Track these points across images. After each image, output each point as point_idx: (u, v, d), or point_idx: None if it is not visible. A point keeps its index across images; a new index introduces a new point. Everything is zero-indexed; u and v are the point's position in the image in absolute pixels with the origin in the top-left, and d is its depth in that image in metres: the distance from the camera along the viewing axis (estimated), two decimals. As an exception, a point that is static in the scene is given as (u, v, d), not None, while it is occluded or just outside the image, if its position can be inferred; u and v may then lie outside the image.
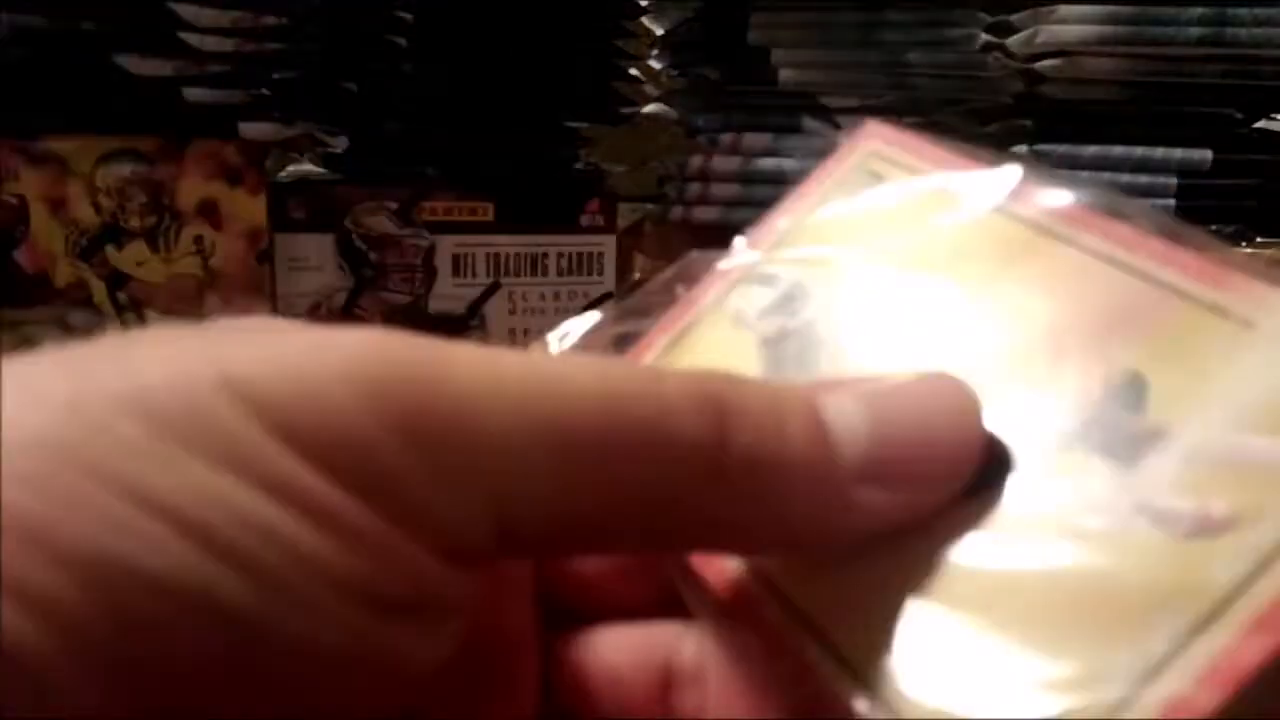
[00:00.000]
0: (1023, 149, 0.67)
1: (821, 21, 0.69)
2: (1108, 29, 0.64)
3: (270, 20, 0.59)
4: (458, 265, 0.68)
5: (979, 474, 0.16)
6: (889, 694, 0.14)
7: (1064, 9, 0.65)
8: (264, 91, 0.61)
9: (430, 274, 0.67)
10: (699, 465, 0.14)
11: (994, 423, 0.16)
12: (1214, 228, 0.67)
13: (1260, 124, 0.67)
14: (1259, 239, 0.68)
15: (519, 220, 0.68)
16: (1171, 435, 0.15)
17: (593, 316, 0.22)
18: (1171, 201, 0.66)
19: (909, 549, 0.15)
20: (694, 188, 0.73)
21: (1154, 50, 0.65)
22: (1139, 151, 0.66)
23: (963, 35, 0.67)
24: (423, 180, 0.66)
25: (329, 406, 0.13)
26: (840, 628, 0.15)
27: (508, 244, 0.68)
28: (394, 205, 0.66)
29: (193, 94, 0.58)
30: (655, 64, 0.81)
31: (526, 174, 0.70)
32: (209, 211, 0.60)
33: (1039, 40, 0.66)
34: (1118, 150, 0.66)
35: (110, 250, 0.58)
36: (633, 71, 0.75)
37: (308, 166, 0.72)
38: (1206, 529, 0.14)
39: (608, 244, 0.70)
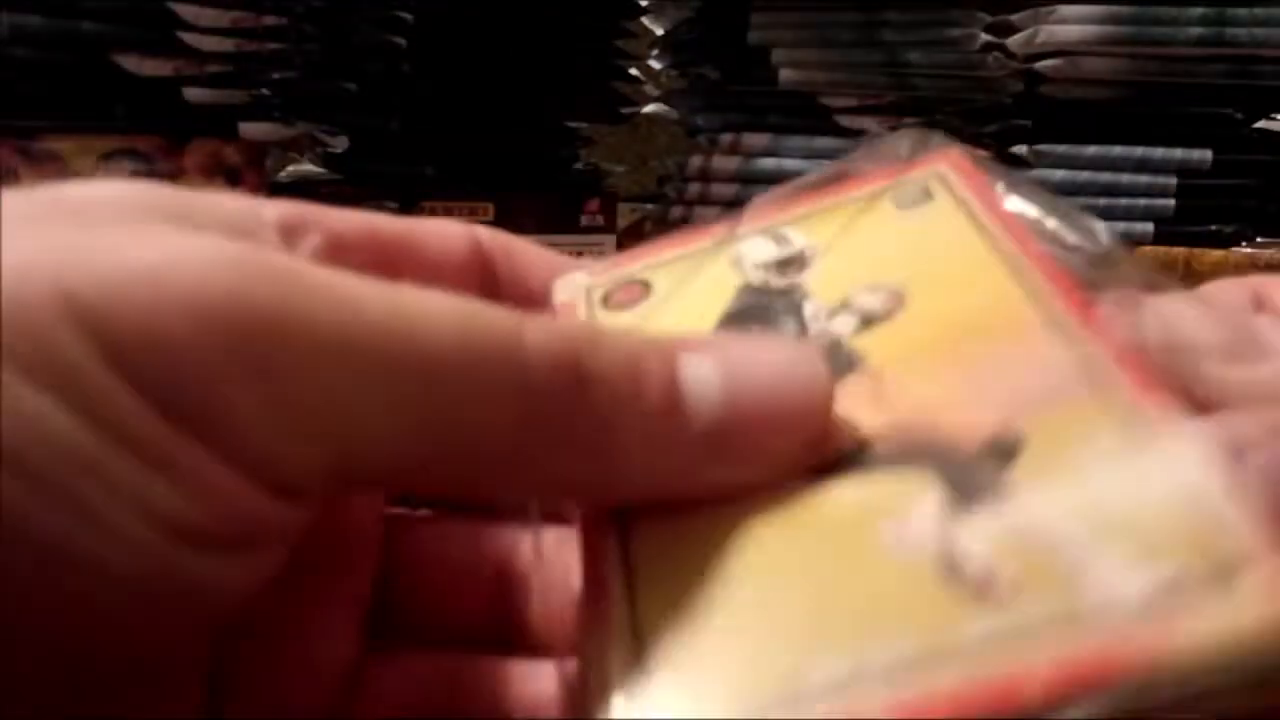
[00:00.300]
0: (1023, 149, 0.67)
1: (821, 21, 0.69)
2: (1108, 29, 0.65)
3: (270, 20, 0.59)
4: (458, 265, 0.68)
5: (823, 458, 0.16)
6: (639, 685, 0.15)
7: (1064, 9, 0.65)
8: (264, 91, 0.61)
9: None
10: (549, 421, 0.14)
11: (870, 413, 0.17)
12: (1214, 228, 0.67)
13: (1260, 124, 0.67)
14: (1259, 239, 0.68)
15: (519, 220, 0.68)
16: (1015, 500, 0.15)
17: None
18: (1171, 201, 0.66)
19: (729, 517, 0.16)
20: (694, 188, 0.73)
21: (1154, 50, 0.65)
22: (1139, 151, 0.66)
23: (963, 35, 0.67)
24: (423, 180, 0.66)
25: (169, 340, 0.13)
26: (645, 583, 0.16)
27: (508, 244, 0.68)
28: (394, 205, 0.66)
29: (193, 94, 0.58)
30: (655, 64, 0.81)
31: (526, 174, 0.70)
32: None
33: (1039, 40, 0.66)
34: (1118, 150, 0.66)
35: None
36: (633, 71, 0.75)
37: (308, 166, 0.72)
38: (983, 589, 0.15)
39: (608, 244, 0.70)
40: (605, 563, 0.16)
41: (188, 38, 0.57)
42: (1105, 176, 0.66)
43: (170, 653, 0.14)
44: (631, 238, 0.78)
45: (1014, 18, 0.68)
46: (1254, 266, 0.63)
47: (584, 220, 0.69)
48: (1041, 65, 0.67)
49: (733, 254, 0.21)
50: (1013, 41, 0.68)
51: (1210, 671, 0.13)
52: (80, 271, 0.13)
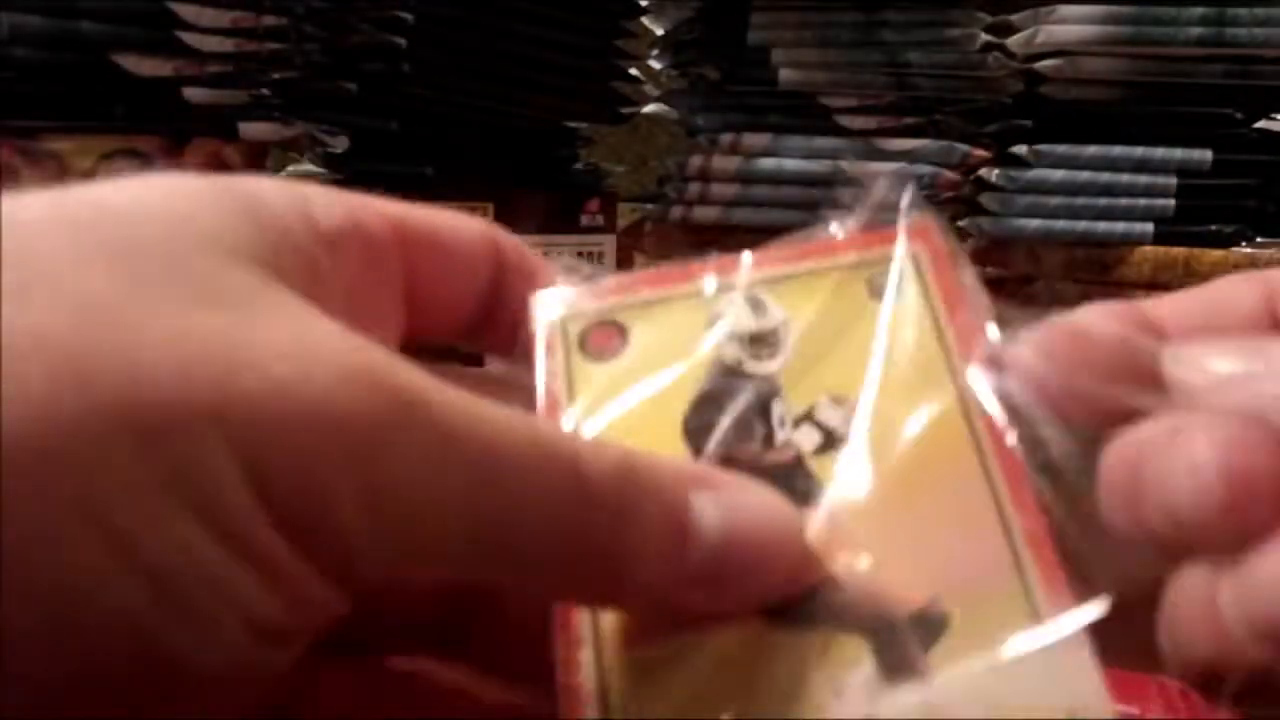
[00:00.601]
0: (1022, 149, 0.67)
1: (821, 21, 0.69)
2: (1108, 29, 0.65)
3: (270, 20, 0.59)
4: (457, 265, 0.68)
5: (782, 602, 0.18)
6: None
7: (1064, 9, 0.65)
8: (264, 91, 0.61)
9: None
10: (592, 532, 0.16)
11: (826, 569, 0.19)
12: (1214, 228, 0.67)
13: (1260, 124, 0.67)
14: (1259, 239, 0.68)
15: (519, 220, 0.68)
16: (933, 683, 0.18)
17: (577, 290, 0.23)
18: (1171, 201, 0.66)
19: (692, 646, 0.18)
20: (694, 188, 0.73)
21: (1154, 50, 0.65)
22: (1139, 151, 0.66)
23: (962, 35, 0.67)
24: (422, 180, 0.66)
25: (299, 458, 0.14)
26: (616, 695, 0.18)
27: (507, 244, 0.68)
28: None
29: (192, 94, 0.58)
30: (655, 64, 0.81)
31: (526, 174, 0.70)
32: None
33: (1039, 40, 0.66)
34: (1117, 150, 0.66)
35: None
36: (633, 71, 0.75)
37: (308, 166, 0.72)
38: None
39: (608, 244, 0.70)
40: (578, 668, 0.18)
41: (188, 38, 0.57)
42: (1105, 176, 0.66)
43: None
44: (631, 237, 0.78)
45: (1014, 18, 0.68)
46: (1254, 266, 0.63)
47: (584, 220, 0.69)
48: (1041, 65, 0.67)
49: (711, 312, 0.22)
50: (1013, 41, 0.68)
51: None
52: (228, 392, 0.13)
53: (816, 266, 0.23)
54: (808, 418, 0.21)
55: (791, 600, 0.18)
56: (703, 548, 0.17)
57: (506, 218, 0.68)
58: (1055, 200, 0.67)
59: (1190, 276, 0.65)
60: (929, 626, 0.18)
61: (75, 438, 0.12)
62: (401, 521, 0.14)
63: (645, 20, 0.78)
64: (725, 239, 0.72)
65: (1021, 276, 0.71)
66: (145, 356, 0.13)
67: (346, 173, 0.66)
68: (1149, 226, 0.67)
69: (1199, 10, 0.64)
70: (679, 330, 0.22)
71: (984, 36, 0.67)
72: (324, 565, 0.14)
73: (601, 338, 0.22)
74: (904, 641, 0.18)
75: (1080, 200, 0.67)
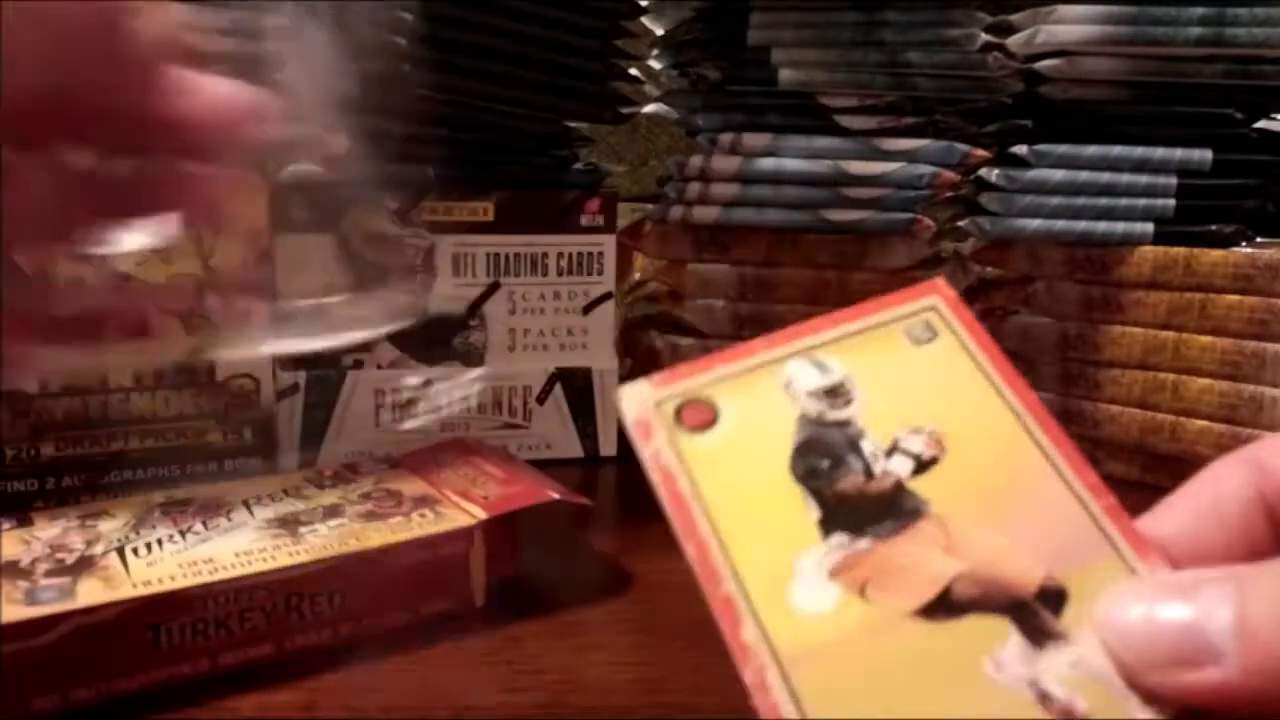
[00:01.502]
0: (1022, 149, 0.67)
1: (821, 21, 0.69)
2: (1108, 29, 0.65)
3: (270, 20, 0.59)
4: (458, 265, 0.68)
5: (922, 601, 0.22)
6: None
7: (1064, 9, 0.65)
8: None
9: (430, 274, 0.67)
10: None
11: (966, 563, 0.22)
12: (1214, 227, 0.67)
13: (1260, 124, 0.67)
14: (1259, 239, 0.68)
15: (519, 220, 0.68)
16: (1070, 643, 0.21)
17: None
18: (1172, 201, 0.66)
19: (863, 648, 0.21)
20: (694, 188, 0.73)
21: (1154, 50, 0.65)
22: (1139, 151, 0.66)
23: (962, 35, 0.67)
24: (422, 180, 0.66)
25: None
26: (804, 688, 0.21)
27: (508, 244, 0.68)
28: (394, 205, 0.66)
29: (193, 94, 0.58)
30: (655, 64, 0.81)
31: (526, 174, 0.70)
32: (209, 211, 0.60)
33: (1039, 40, 0.66)
34: (1117, 150, 0.66)
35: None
36: (633, 71, 0.75)
37: (307, 166, 0.72)
38: (1069, 715, 0.20)
39: (608, 244, 0.70)
40: (778, 702, 0.21)
41: (188, 38, 0.57)
42: (1105, 176, 0.66)
43: None
44: (631, 237, 0.78)
45: (1014, 18, 0.68)
46: (1254, 267, 0.63)
47: (584, 220, 0.69)
48: (1041, 65, 0.67)
49: (781, 378, 0.26)
50: (1013, 41, 0.68)
51: None
52: None
53: (857, 327, 0.26)
54: (895, 449, 0.24)
55: (933, 600, 0.22)
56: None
57: (506, 218, 0.68)
58: (1055, 200, 0.67)
59: (1190, 276, 0.65)
60: (1052, 599, 0.22)
61: None
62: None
63: (645, 20, 0.78)
64: (725, 238, 0.72)
65: (1021, 276, 0.71)
66: None
67: (346, 173, 0.66)
68: (1149, 226, 0.67)
69: (1199, 10, 0.64)
70: (761, 395, 0.25)
71: (984, 36, 0.67)
72: None
73: (694, 413, 0.25)
74: (1038, 614, 0.21)
75: (1080, 200, 0.67)
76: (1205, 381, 0.65)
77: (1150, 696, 0.20)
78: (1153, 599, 0.21)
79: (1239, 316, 0.63)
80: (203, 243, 0.60)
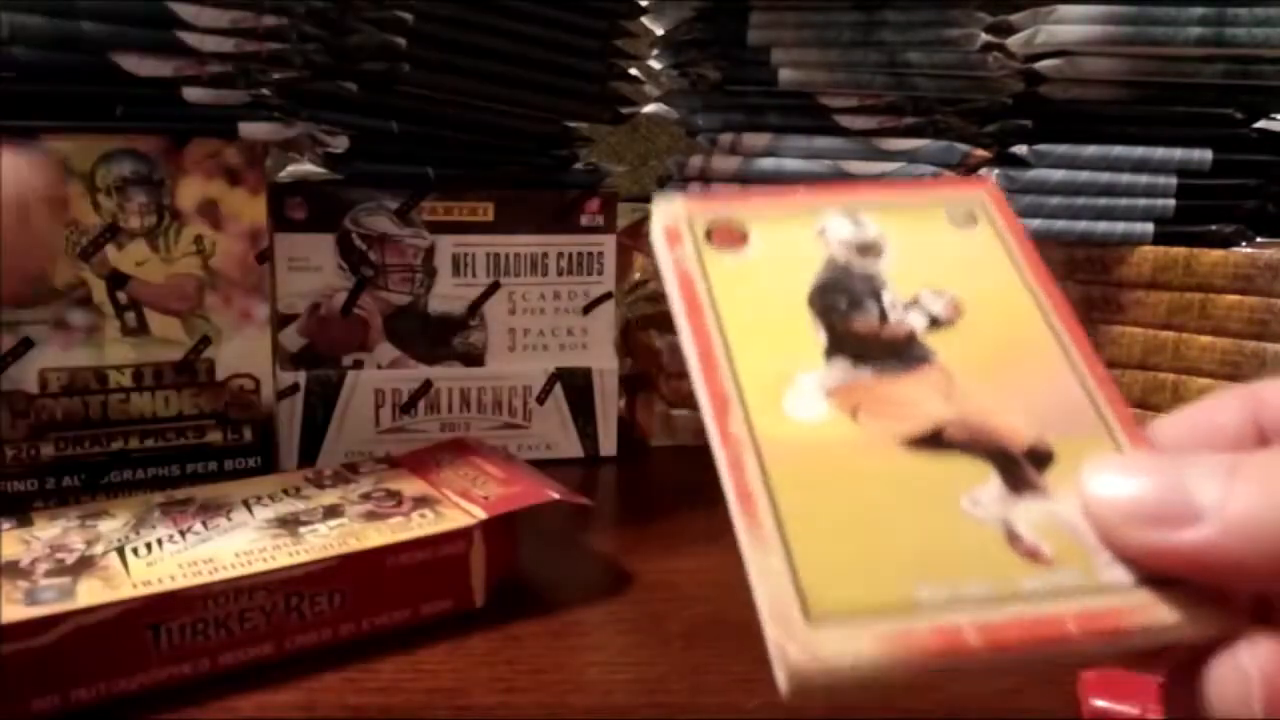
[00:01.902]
0: (1023, 149, 0.67)
1: (821, 21, 0.69)
2: (1108, 29, 0.64)
3: (270, 20, 0.59)
4: (457, 265, 0.68)
5: (912, 433, 0.22)
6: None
7: (1064, 9, 0.65)
8: (264, 91, 0.61)
9: (430, 274, 0.67)
10: None
11: (967, 414, 0.23)
12: (1214, 227, 0.67)
13: (1260, 124, 0.67)
14: (1259, 239, 0.68)
15: (519, 220, 0.68)
16: (1049, 497, 0.22)
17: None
18: (1172, 202, 0.66)
19: (850, 469, 0.22)
20: (694, 188, 0.73)
21: (1154, 50, 0.65)
22: (1139, 151, 0.66)
23: (962, 35, 0.67)
24: (422, 180, 0.66)
25: None
26: (788, 510, 0.21)
27: (507, 244, 0.68)
28: (394, 205, 0.66)
29: (192, 94, 0.58)
30: (655, 64, 0.81)
31: (526, 174, 0.70)
32: (209, 211, 0.60)
33: (1039, 40, 0.66)
34: (1117, 150, 0.66)
35: (110, 250, 0.58)
36: (633, 71, 0.75)
37: (308, 166, 0.72)
38: (1033, 555, 0.21)
39: (608, 244, 0.70)
40: (755, 512, 0.21)
41: (188, 38, 0.57)
42: (1105, 176, 0.66)
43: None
44: (631, 237, 0.78)
45: (1014, 18, 0.68)
46: (1254, 267, 0.63)
47: (584, 220, 0.69)
48: (1041, 65, 0.67)
49: (817, 225, 0.26)
50: (1013, 41, 0.68)
51: (1174, 637, 0.20)
52: None
53: (900, 201, 0.27)
54: (915, 304, 0.25)
55: (923, 434, 0.23)
56: None
57: (506, 218, 0.68)
58: (1055, 200, 0.67)
59: (1190, 276, 0.65)
60: (1040, 458, 0.22)
61: None
62: None
63: (645, 20, 0.78)
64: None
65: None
66: None
67: (346, 173, 0.66)
68: (1149, 226, 0.67)
69: (1199, 10, 0.64)
70: (792, 235, 0.26)
71: (984, 36, 0.67)
72: None
73: (725, 235, 0.26)
74: (1022, 467, 0.22)
75: (1080, 200, 0.67)
76: (1205, 381, 0.65)
77: (1121, 555, 0.21)
78: (1140, 465, 0.21)
79: (1239, 316, 0.63)
80: (203, 242, 0.60)
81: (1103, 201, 0.67)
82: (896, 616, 0.19)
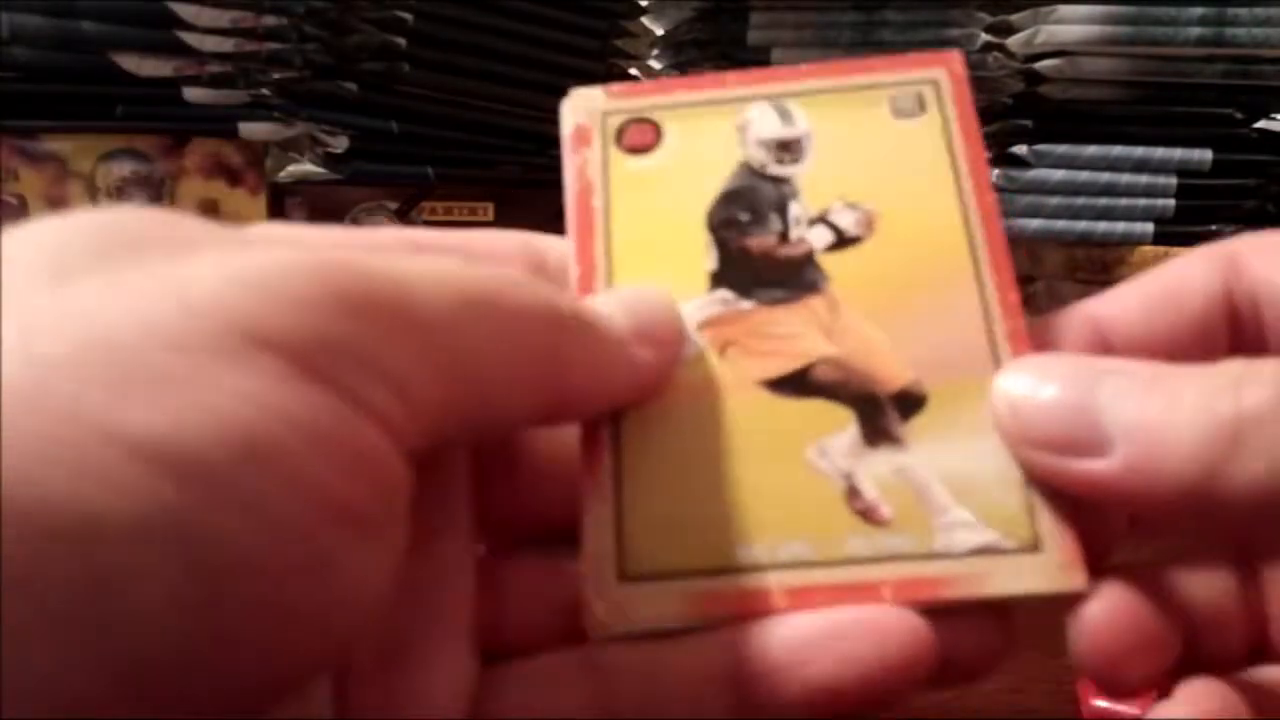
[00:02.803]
0: (1022, 149, 0.67)
1: (821, 21, 0.69)
2: (1107, 29, 0.64)
3: (270, 20, 0.59)
4: (457, 265, 0.67)
5: (777, 371, 0.21)
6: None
7: (1064, 9, 0.65)
8: (264, 91, 0.61)
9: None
10: (558, 325, 0.18)
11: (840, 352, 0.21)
12: (1214, 228, 0.67)
13: (1260, 124, 0.67)
14: (1259, 239, 0.68)
15: (519, 220, 0.68)
16: (906, 450, 0.20)
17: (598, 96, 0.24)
18: (1172, 202, 0.66)
19: (695, 422, 0.21)
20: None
21: (1154, 50, 0.65)
22: (1139, 151, 0.66)
23: (962, 35, 0.67)
24: (422, 180, 0.66)
25: (298, 309, 0.14)
26: (628, 473, 0.20)
27: (507, 244, 0.68)
28: (393, 205, 0.66)
29: (192, 94, 0.58)
30: (655, 64, 0.81)
31: (526, 173, 0.70)
32: (209, 212, 0.60)
33: (1039, 40, 0.66)
34: (1117, 150, 0.66)
35: (110, 250, 0.58)
36: (632, 71, 0.75)
37: (307, 166, 0.72)
38: (869, 515, 0.20)
39: (607, 244, 0.70)
40: (599, 461, 0.20)
41: (188, 38, 0.57)
42: (1105, 177, 0.66)
43: (307, 668, 0.15)
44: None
45: (1013, 18, 0.68)
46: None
47: (584, 220, 0.69)
48: (1041, 65, 0.67)
49: (740, 119, 0.24)
50: (1012, 41, 0.68)
51: (1000, 607, 0.19)
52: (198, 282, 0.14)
53: (843, 83, 0.24)
54: (822, 219, 0.23)
55: (788, 374, 0.21)
56: (621, 320, 0.20)
57: (506, 218, 0.67)
58: (1055, 200, 0.67)
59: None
60: (908, 404, 0.21)
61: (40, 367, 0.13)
62: (418, 347, 0.16)
63: (645, 20, 0.78)
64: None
65: (1021, 277, 0.71)
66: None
67: (346, 172, 0.66)
68: (1149, 226, 0.67)
69: (1199, 10, 0.64)
70: (710, 132, 0.24)
71: (984, 36, 0.67)
72: (368, 408, 0.14)
73: (637, 134, 0.24)
74: (885, 414, 0.21)
75: (1080, 200, 0.67)
76: (1205, 381, 0.65)
77: (1028, 474, 0.19)
78: (1050, 376, 0.19)
79: (1239, 316, 0.63)
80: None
81: (1103, 201, 0.66)
82: (710, 577, 0.19)
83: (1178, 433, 0.17)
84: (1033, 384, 0.19)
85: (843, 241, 0.22)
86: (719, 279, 0.22)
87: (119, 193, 0.58)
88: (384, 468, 0.15)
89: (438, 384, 0.16)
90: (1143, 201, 0.66)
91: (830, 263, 0.22)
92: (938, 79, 0.24)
